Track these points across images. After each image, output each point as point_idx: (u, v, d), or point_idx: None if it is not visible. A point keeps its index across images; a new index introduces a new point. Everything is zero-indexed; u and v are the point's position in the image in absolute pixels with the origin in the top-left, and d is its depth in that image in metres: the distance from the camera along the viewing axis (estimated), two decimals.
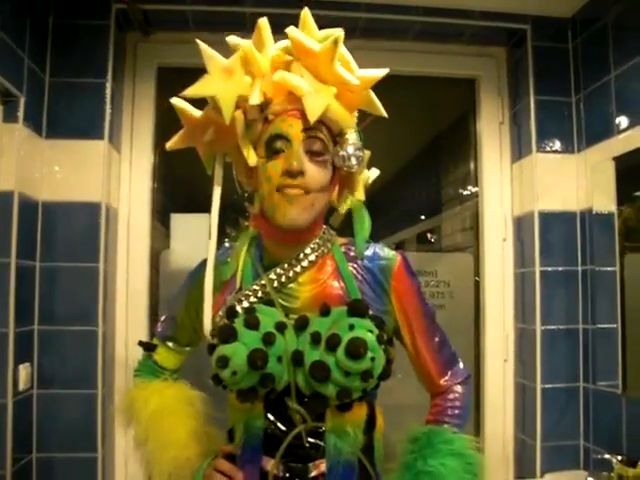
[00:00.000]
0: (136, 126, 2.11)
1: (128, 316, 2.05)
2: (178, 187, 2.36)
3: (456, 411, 1.19)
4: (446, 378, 1.20)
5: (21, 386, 1.71)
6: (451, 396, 1.20)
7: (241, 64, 1.01)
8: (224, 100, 0.98)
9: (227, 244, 1.22)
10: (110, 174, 1.94)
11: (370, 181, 1.22)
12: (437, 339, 1.20)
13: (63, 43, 1.90)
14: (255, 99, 1.00)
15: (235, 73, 1.00)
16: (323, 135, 1.05)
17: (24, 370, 1.73)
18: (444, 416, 1.18)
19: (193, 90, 1.00)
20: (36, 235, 1.83)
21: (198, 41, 1.00)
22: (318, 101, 0.99)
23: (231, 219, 2.20)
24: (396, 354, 1.09)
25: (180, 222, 2.20)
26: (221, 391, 1.08)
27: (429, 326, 1.19)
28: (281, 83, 1.01)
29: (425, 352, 1.19)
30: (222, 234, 2.18)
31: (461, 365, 1.24)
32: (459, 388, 1.21)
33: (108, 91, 1.90)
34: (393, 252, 1.16)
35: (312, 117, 0.98)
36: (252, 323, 1.00)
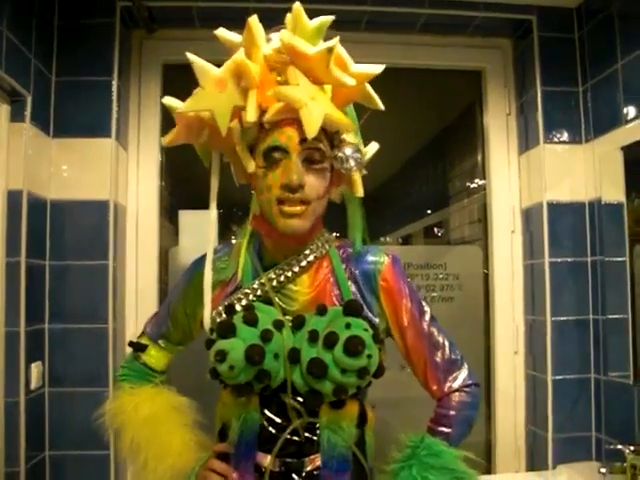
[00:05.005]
0: (143, 123, 2.12)
1: (138, 313, 2.05)
2: (186, 184, 2.36)
3: (450, 420, 1.14)
4: (442, 384, 1.16)
5: (33, 385, 1.72)
6: (447, 404, 1.15)
7: (233, 75, 0.99)
8: (219, 113, 0.98)
9: (233, 240, 1.22)
10: (118, 172, 1.94)
11: (369, 156, 1.17)
12: (434, 342, 1.17)
13: (69, 42, 1.90)
14: (251, 116, 0.98)
15: (228, 84, 0.99)
16: (321, 143, 1.04)
17: (35, 369, 1.74)
18: (438, 425, 1.14)
19: (188, 105, 1.01)
20: (45, 234, 1.84)
21: (188, 54, 1.00)
22: (315, 113, 0.97)
23: (237, 216, 2.20)
24: (386, 356, 1.09)
25: (188, 219, 2.21)
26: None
27: (424, 328, 1.16)
28: (277, 98, 0.99)
29: (419, 354, 1.16)
30: (228, 231, 2.19)
31: (465, 372, 1.18)
32: (457, 396, 1.16)
33: (114, 89, 1.90)
34: (384, 255, 1.17)
35: (311, 133, 0.96)
36: (250, 320, 1.02)
